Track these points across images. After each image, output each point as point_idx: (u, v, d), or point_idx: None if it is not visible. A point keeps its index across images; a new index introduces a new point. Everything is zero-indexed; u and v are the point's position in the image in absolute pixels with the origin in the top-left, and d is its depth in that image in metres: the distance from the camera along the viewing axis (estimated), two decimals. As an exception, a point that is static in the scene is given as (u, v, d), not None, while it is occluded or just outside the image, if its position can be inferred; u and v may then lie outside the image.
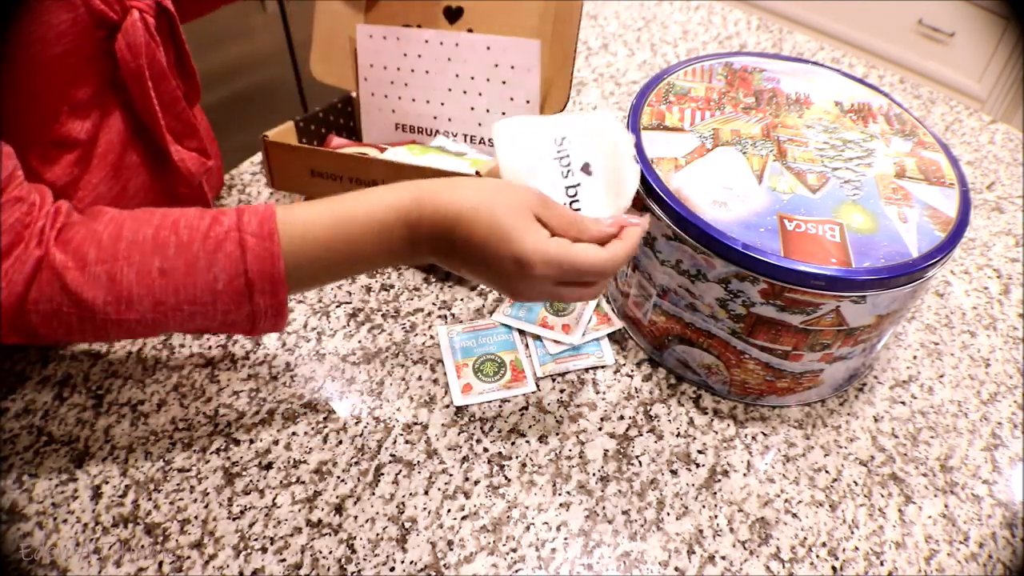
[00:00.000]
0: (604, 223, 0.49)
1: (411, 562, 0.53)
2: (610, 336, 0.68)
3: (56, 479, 0.56)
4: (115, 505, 0.55)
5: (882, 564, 0.54)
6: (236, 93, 1.20)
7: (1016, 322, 0.73)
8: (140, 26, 0.54)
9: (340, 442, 0.60)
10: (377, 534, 0.54)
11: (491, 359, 0.65)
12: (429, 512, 0.56)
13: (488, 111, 0.78)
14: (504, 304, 0.70)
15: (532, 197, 0.48)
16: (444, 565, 0.53)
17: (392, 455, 0.59)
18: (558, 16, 0.72)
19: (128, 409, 0.61)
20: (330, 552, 0.53)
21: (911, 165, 0.61)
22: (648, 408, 0.63)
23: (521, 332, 0.68)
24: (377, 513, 0.55)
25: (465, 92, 0.76)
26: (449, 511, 0.56)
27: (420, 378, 0.64)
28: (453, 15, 0.75)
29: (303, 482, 0.57)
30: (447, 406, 0.62)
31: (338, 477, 0.57)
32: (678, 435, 0.62)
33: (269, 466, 0.58)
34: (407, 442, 0.60)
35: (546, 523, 0.55)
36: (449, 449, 0.60)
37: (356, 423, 0.61)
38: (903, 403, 0.65)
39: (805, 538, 0.56)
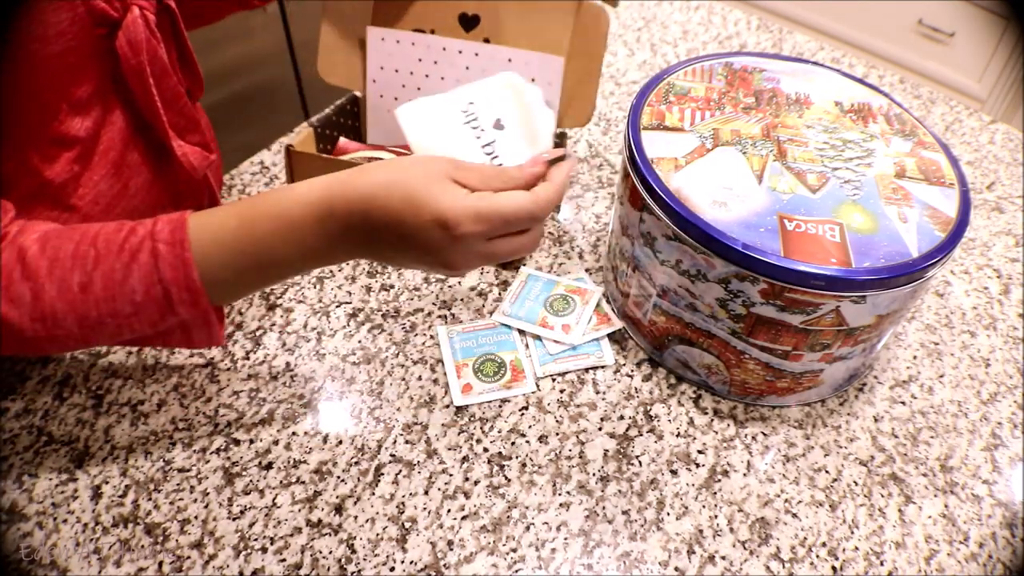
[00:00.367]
0: (525, 166, 0.47)
1: (411, 562, 0.53)
2: (610, 336, 0.68)
3: (56, 479, 0.56)
4: (115, 505, 0.55)
5: (882, 564, 0.54)
6: (236, 93, 1.20)
7: (1016, 322, 0.73)
8: (141, 23, 0.54)
9: (340, 442, 0.60)
10: (377, 534, 0.54)
11: (491, 359, 0.65)
12: (429, 512, 0.56)
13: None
14: (504, 303, 0.70)
15: (444, 163, 0.46)
16: (444, 565, 0.53)
17: (392, 455, 0.59)
18: (583, 31, 0.71)
19: (128, 409, 0.61)
20: (330, 552, 0.53)
21: (911, 165, 0.61)
22: (648, 408, 0.63)
23: (521, 332, 0.68)
24: (377, 513, 0.55)
25: None
26: (449, 511, 0.56)
27: (420, 378, 0.64)
28: (469, 22, 0.74)
29: (303, 482, 0.57)
30: (447, 406, 0.62)
31: (338, 477, 0.57)
32: (678, 435, 0.62)
33: (269, 466, 0.58)
34: (407, 442, 0.60)
35: (546, 523, 0.55)
36: (449, 449, 0.60)
37: (356, 423, 0.61)
38: (903, 403, 0.65)
39: (805, 538, 0.56)
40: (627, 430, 0.62)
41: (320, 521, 0.55)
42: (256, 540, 0.54)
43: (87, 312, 0.45)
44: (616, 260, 0.68)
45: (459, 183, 0.45)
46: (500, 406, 0.63)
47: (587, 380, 0.65)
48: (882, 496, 0.58)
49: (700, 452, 0.60)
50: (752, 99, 0.67)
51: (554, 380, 0.65)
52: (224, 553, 0.53)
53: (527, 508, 0.56)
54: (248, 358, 0.65)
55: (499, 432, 0.61)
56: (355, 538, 0.54)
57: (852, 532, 0.56)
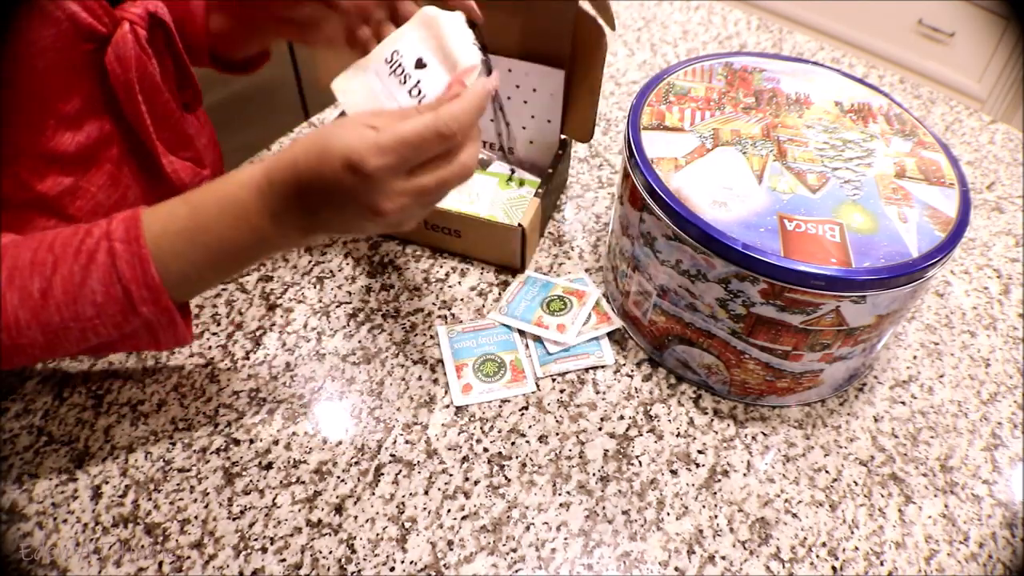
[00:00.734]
0: (441, 94, 0.45)
1: (411, 562, 0.53)
2: (610, 336, 0.68)
3: (56, 479, 0.56)
4: (115, 505, 0.55)
5: (882, 564, 0.54)
6: (236, 93, 1.20)
7: (1016, 322, 0.73)
8: (130, 39, 0.53)
9: (340, 442, 0.60)
10: (377, 534, 0.54)
11: (491, 359, 0.65)
12: (429, 512, 0.56)
13: (509, 124, 0.78)
14: (501, 303, 0.70)
15: (360, 114, 0.45)
16: (444, 565, 0.53)
17: (392, 455, 0.59)
18: (581, 46, 0.70)
19: (128, 409, 0.61)
20: (330, 552, 0.53)
21: (911, 165, 0.61)
22: (648, 408, 0.63)
23: (521, 332, 0.68)
24: (377, 513, 0.55)
25: None
26: (449, 511, 0.56)
27: (420, 378, 0.64)
28: None
29: (303, 482, 0.57)
30: (447, 406, 0.62)
31: (338, 477, 0.57)
32: (678, 435, 0.62)
33: (269, 466, 0.58)
34: (407, 442, 0.60)
35: (546, 523, 0.55)
36: (449, 449, 0.60)
37: (356, 423, 0.61)
38: (903, 403, 0.65)
39: (805, 538, 0.56)
40: (627, 430, 0.62)
41: (320, 521, 0.55)
42: (256, 540, 0.54)
43: (49, 318, 0.45)
44: (616, 260, 0.68)
45: (368, 125, 0.44)
46: (500, 406, 0.63)
47: (587, 380, 0.65)
48: (882, 496, 0.58)
49: (700, 452, 0.60)
50: (752, 99, 0.67)
51: (554, 380, 0.65)
52: (224, 553, 0.53)
53: (527, 508, 0.56)
54: (248, 358, 0.65)
55: (499, 432, 0.61)
56: (355, 538, 0.54)
57: (852, 532, 0.56)
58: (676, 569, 0.53)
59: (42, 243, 0.46)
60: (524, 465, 0.59)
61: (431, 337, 0.68)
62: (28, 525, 0.54)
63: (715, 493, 0.58)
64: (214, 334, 0.67)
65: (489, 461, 0.59)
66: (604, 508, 0.56)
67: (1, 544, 0.53)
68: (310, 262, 0.74)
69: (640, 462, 0.59)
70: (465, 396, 0.63)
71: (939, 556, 0.55)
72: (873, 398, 0.65)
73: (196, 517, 0.55)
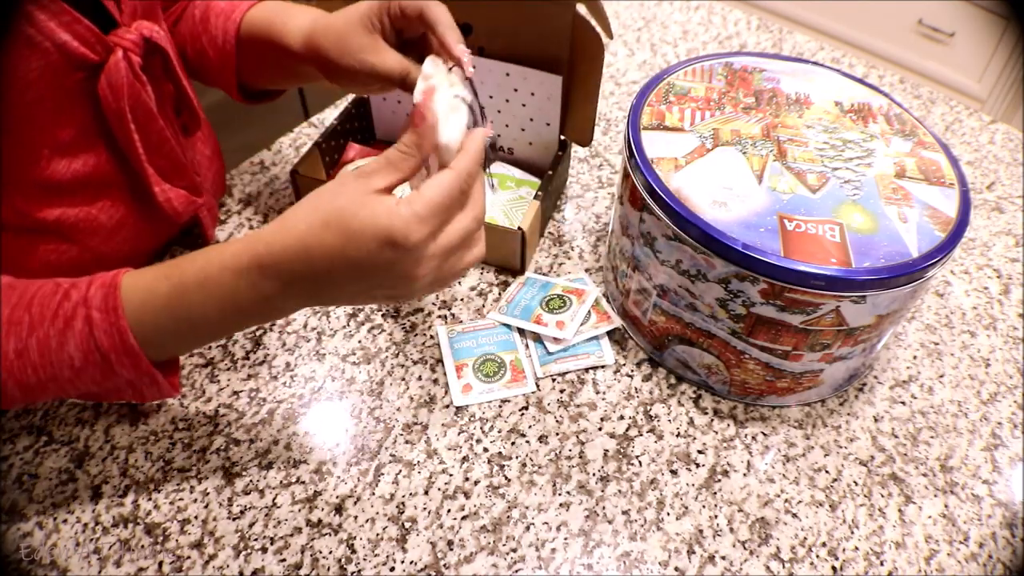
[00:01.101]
0: (415, 122, 0.44)
1: (411, 562, 0.53)
2: (610, 336, 0.68)
3: (56, 479, 0.56)
4: (115, 505, 0.55)
5: (882, 564, 0.54)
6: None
7: (1016, 322, 0.73)
8: (123, 66, 0.51)
9: (340, 442, 0.60)
10: (377, 534, 0.54)
11: (491, 359, 0.65)
12: (429, 512, 0.56)
13: (508, 126, 0.78)
14: (500, 302, 0.70)
15: (353, 181, 0.43)
16: (444, 565, 0.53)
17: (392, 455, 0.59)
18: (579, 52, 0.70)
19: (128, 409, 0.61)
20: (330, 552, 0.53)
21: (911, 165, 0.61)
22: (648, 408, 0.63)
23: (521, 332, 0.68)
24: (377, 513, 0.55)
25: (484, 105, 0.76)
26: (449, 511, 0.56)
27: (420, 378, 0.64)
28: (461, 30, 0.73)
29: (303, 482, 0.57)
30: (447, 406, 0.62)
31: (338, 477, 0.57)
32: (678, 435, 0.62)
33: (269, 466, 0.58)
34: (407, 442, 0.60)
35: (546, 523, 0.55)
36: (449, 449, 0.60)
37: (356, 423, 0.61)
38: (903, 403, 0.65)
39: (805, 538, 0.56)
40: (627, 430, 0.62)
41: (320, 521, 0.55)
42: (256, 540, 0.54)
43: (24, 378, 0.45)
44: (616, 260, 0.68)
45: (378, 190, 0.43)
46: (500, 406, 0.63)
47: (587, 380, 0.65)
48: (882, 496, 0.58)
49: (700, 452, 0.60)
50: (752, 99, 0.67)
51: (554, 380, 0.65)
52: (224, 553, 0.53)
53: (527, 508, 0.56)
54: (248, 358, 0.65)
55: (499, 432, 0.61)
56: (355, 538, 0.54)
57: (852, 532, 0.56)
58: (676, 569, 0.53)
59: (21, 300, 0.45)
60: (524, 465, 0.59)
61: (431, 337, 0.68)
62: (28, 525, 0.54)
63: (715, 493, 0.58)
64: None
65: (489, 461, 0.59)
66: (604, 508, 0.56)
67: (1, 544, 0.53)
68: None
69: (640, 462, 0.59)
70: (465, 396, 0.63)
71: (939, 556, 0.55)
72: (873, 398, 0.65)
73: (196, 517, 0.55)
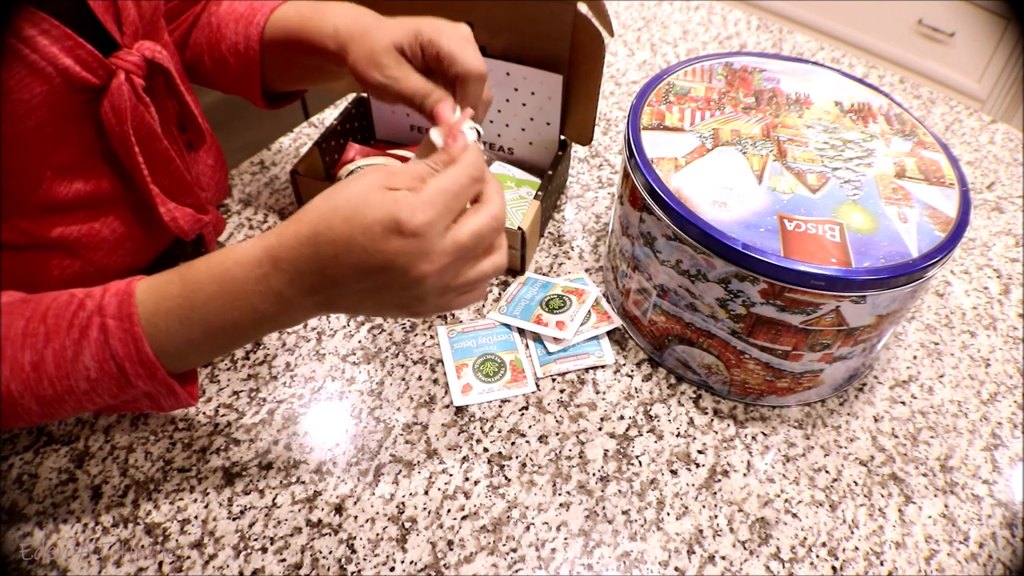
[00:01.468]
0: (445, 141, 0.45)
1: (411, 562, 0.53)
2: (610, 336, 0.68)
3: (56, 479, 0.56)
4: (115, 505, 0.55)
5: (882, 564, 0.54)
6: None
7: (1016, 322, 0.73)
8: (126, 89, 0.51)
9: (340, 442, 0.60)
10: (377, 534, 0.54)
11: (491, 359, 0.65)
12: (429, 512, 0.56)
13: (508, 125, 0.78)
14: (500, 302, 0.70)
15: (372, 174, 0.42)
16: (444, 565, 0.53)
17: (392, 455, 0.59)
18: (580, 51, 0.70)
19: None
20: (330, 552, 0.53)
21: (911, 165, 0.61)
22: (648, 408, 0.63)
23: (521, 332, 0.68)
24: (377, 513, 0.55)
25: None
26: (449, 511, 0.56)
27: (420, 378, 0.64)
28: None
29: (303, 482, 0.57)
30: (447, 406, 0.62)
31: (338, 477, 0.57)
32: (678, 435, 0.62)
33: (269, 466, 0.58)
34: (407, 442, 0.60)
35: (546, 523, 0.55)
36: (449, 449, 0.60)
37: (356, 423, 0.61)
38: (903, 403, 0.65)
39: (805, 538, 0.56)
40: (627, 430, 0.62)
41: (320, 521, 0.55)
42: (256, 540, 0.54)
43: (42, 391, 0.44)
44: (616, 260, 0.68)
45: (394, 188, 0.42)
46: (500, 406, 0.63)
47: (587, 380, 0.65)
48: (882, 496, 0.58)
49: (700, 452, 0.60)
50: (752, 99, 0.67)
51: (554, 380, 0.65)
52: (224, 553, 0.53)
53: (527, 508, 0.56)
54: (248, 358, 0.65)
55: (499, 432, 0.61)
56: (355, 538, 0.54)
57: (852, 532, 0.56)
58: (676, 569, 0.53)
59: (35, 312, 0.44)
60: (524, 465, 0.59)
61: (431, 337, 0.68)
62: (28, 525, 0.54)
63: (715, 493, 0.58)
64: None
65: (489, 461, 0.59)
66: (604, 508, 0.56)
67: (1, 544, 0.53)
68: (310, 262, 0.74)
69: (640, 462, 0.59)
70: (465, 396, 0.63)
71: (939, 556, 0.55)
72: (873, 398, 0.65)
73: (196, 517, 0.55)
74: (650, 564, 0.54)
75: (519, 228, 0.69)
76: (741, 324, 0.57)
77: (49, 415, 0.47)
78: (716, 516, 0.56)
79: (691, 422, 0.63)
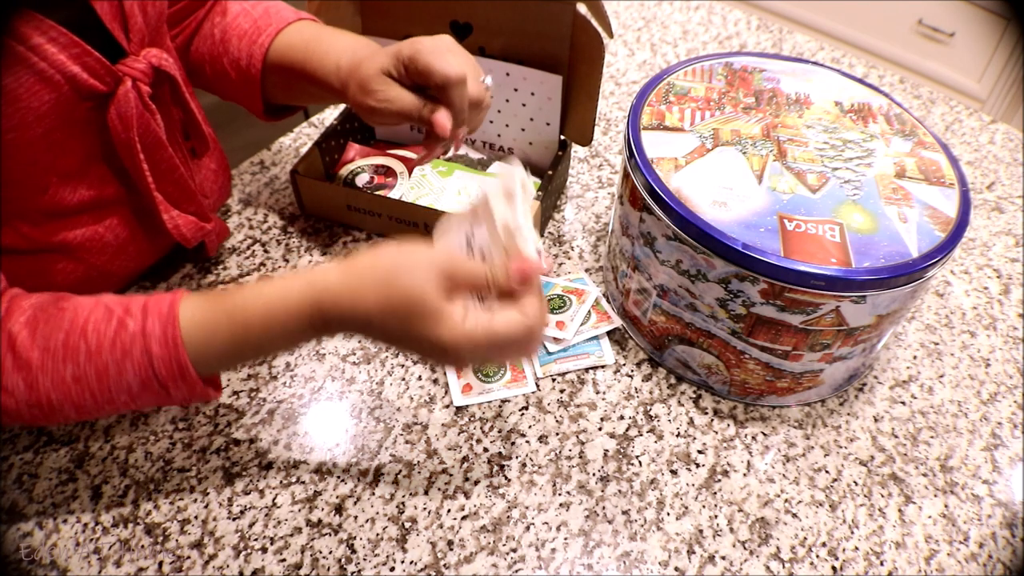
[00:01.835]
0: (513, 268, 0.45)
1: (411, 562, 0.53)
2: (610, 336, 0.68)
3: (56, 479, 0.56)
4: (115, 505, 0.55)
5: (882, 564, 0.54)
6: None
7: (1016, 322, 0.73)
8: (132, 96, 0.52)
9: (340, 442, 0.60)
10: (377, 534, 0.54)
11: (491, 359, 0.65)
12: (429, 512, 0.56)
13: (508, 126, 0.78)
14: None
15: (434, 276, 0.43)
16: (444, 565, 0.53)
17: (392, 455, 0.59)
18: (580, 51, 0.70)
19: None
20: (330, 552, 0.53)
21: (911, 165, 0.61)
22: (648, 408, 0.63)
23: (521, 332, 0.68)
24: (377, 513, 0.55)
25: None
26: (449, 511, 0.56)
27: (420, 378, 0.64)
28: (461, 30, 0.73)
29: (303, 482, 0.57)
30: (447, 406, 0.62)
31: (338, 477, 0.57)
32: (678, 435, 0.62)
33: (269, 466, 0.58)
34: (407, 442, 0.60)
35: (546, 523, 0.55)
36: (449, 449, 0.60)
37: (356, 423, 0.61)
38: (903, 403, 0.65)
39: (805, 538, 0.56)
40: (627, 430, 0.62)
41: (320, 521, 0.55)
42: (256, 540, 0.54)
43: (82, 402, 0.46)
44: (616, 260, 0.68)
45: (452, 294, 0.44)
46: (500, 406, 0.63)
47: (587, 380, 0.65)
48: (882, 496, 0.58)
49: (700, 452, 0.60)
50: (752, 99, 0.67)
51: (554, 380, 0.65)
52: (224, 553, 0.53)
53: (527, 508, 0.56)
54: (248, 358, 0.65)
55: (499, 432, 0.61)
56: (355, 538, 0.54)
57: (852, 532, 0.56)
58: (676, 569, 0.53)
59: (74, 326, 0.45)
60: (524, 465, 0.59)
61: (431, 337, 0.68)
62: (28, 525, 0.54)
63: (715, 493, 0.58)
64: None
65: (489, 461, 0.59)
66: (604, 508, 0.56)
67: (1, 544, 0.53)
68: (311, 262, 0.74)
69: (640, 462, 0.59)
70: (465, 396, 0.63)
71: (939, 556, 0.55)
72: (873, 398, 0.65)
73: (196, 517, 0.55)
74: (650, 564, 0.54)
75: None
76: (741, 324, 0.57)
77: (82, 418, 0.49)
78: (716, 516, 0.56)
79: (691, 422, 0.63)
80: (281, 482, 0.57)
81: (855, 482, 0.59)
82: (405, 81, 0.57)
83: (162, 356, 0.45)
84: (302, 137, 0.89)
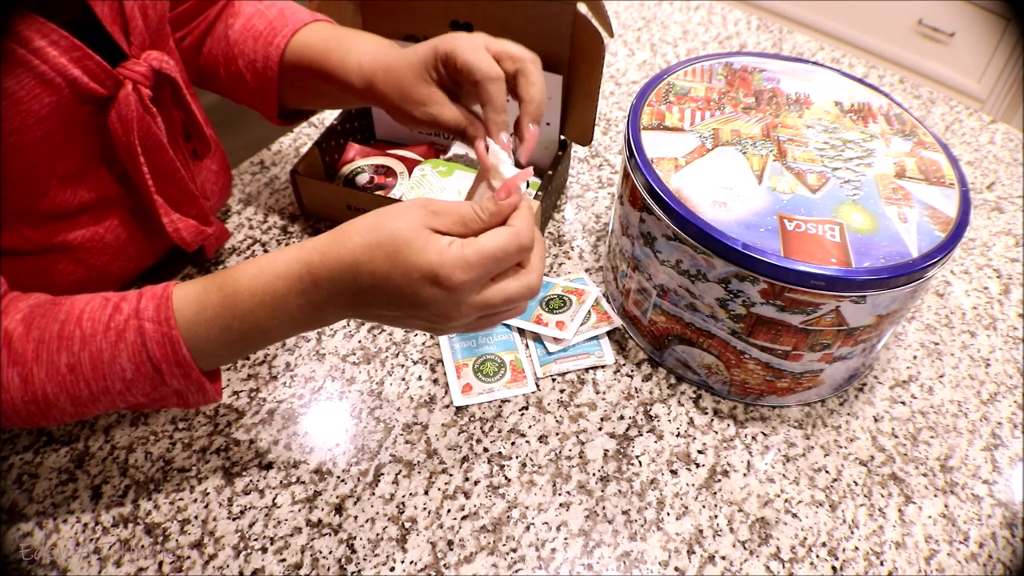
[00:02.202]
0: (499, 196, 0.45)
1: (411, 562, 0.53)
2: (610, 336, 0.68)
3: (56, 479, 0.56)
4: (115, 505, 0.55)
5: (882, 564, 0.54)
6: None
7: (1016, 322, 0.73)
8: (133, 99, 0.51)
9: (340, 442, 0.60)
10: (377, 534, 0.54)
11: (491, 359, 0.65)
12: (429, 512, 0.56)
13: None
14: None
15: (418, 211, 0.43)
16: (444, 565, 0.53)
17: (392, 455, 0.59)
18: (580, 51, 0.70)
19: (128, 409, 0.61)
20: (330, 552, 0.53)
21: (911, 165, 0.61)
22: (648, 408, 0.63)
23: (521, 332, 0.68)
24: (377, 513, 0.56)
25: None
26: (449, 511, 0.56)
27: (420, 378, 0.64)
28: (461, 30, 0.72)
29: (303, 482, 0.57)
30: (447, 406, 0.62)
31: (338, 477, 0.57)
32: (678, 435, 0.62)
33: (269, 466, 0.58)
34: (407, 442, 0.60)
35: (546, 523, 0.55)
36: (449, 449, 0.60)
37: (356, 423, 0.61)
38: (903, 403, 0.65)
39: (805, 538, 0.56)
40: (627, 430, 0.62)
41: (320, 521, 0.55)
42: (256, 540, 0.54)
43: (78, 392, 0.45)
44: (616, 260, 0.68)
45: (439, 231, 0.43)
46: (500, 406, 0.63)
47: (587, 380, 0.65)
48: (882, 496, 0.58)
49: (700, 452, 0.60)
50: (752, 99, 0.67)
51: (554, 380, 0.65)
52: (224, 553, 0.53)
53: (527, 508, 0.56)
54: (248, 358, 0.65)
55: (499, 432, 0.61)
56: (355, 538, 0.54)
57: (852, 532, 0.56)
58: (676, 569, 0.53)
59: (69, 315, 0.45)
60: (524, 465, 0.59)
61: (431, 337, 0.68)
62: (28, 525, 0.54)
63: (715, 493, 0.58)
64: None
65: (489, 461, 0.59)
66: (604, 508, 0.56)
67: (1, 544, 0.53)
68: (310, 262, 0.74)
69: (640, 462, 0.59)
70: (465, 396, 0.63)
71: (939, 556, 0.55)
72: (873, 398, 0.65)
73: (196, 517, 0.55)
74: (650, 564, 0.54)
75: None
76: (741, 324, 0.57)
77: (80, 415, 0.48)
78: (716, 516, 0.56)
79: (691, 422, 0.63)
80: (281, 482, 0.57)
81: (855, 482, 0.59)
82: (443, 79, 0.55)
83: (155, 335, 0.44)
84: (302, 137, 0.89)
